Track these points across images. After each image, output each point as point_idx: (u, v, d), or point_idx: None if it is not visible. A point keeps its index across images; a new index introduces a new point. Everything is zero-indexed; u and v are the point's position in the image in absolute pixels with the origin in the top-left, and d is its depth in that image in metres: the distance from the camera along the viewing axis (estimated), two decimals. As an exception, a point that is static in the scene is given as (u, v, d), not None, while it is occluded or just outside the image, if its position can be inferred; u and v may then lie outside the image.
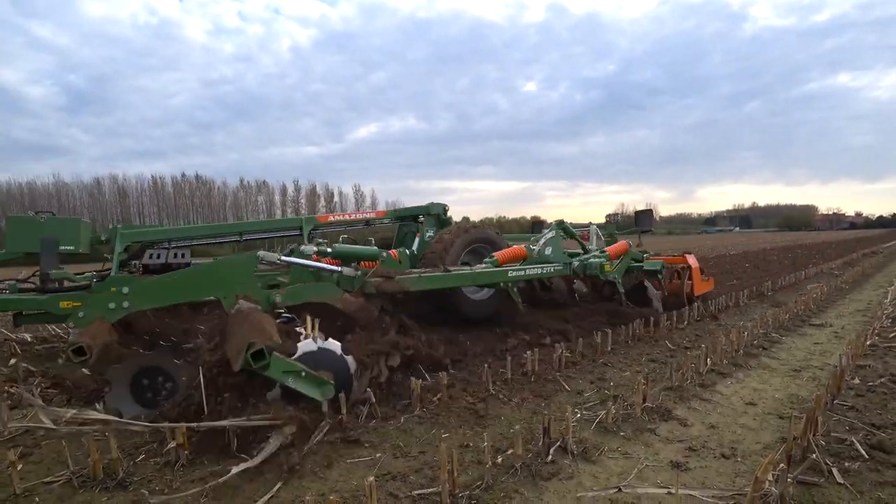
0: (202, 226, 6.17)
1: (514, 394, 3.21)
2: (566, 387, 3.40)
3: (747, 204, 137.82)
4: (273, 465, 2.23)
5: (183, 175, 74.69)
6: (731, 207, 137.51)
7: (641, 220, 7.58)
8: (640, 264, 6.15)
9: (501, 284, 4.83)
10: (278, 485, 2.11)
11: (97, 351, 2.61)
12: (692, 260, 6.84)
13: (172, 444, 2.28)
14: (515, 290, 5.01)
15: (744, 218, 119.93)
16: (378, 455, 2.37)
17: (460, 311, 4.97)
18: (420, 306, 4.57)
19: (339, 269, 3.69)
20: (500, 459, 2.26)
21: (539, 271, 4.96)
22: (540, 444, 2.37)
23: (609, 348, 4.32)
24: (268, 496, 2.03)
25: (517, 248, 5.20)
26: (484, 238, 5.42)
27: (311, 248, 3.93)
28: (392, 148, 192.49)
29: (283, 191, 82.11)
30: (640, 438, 2.57)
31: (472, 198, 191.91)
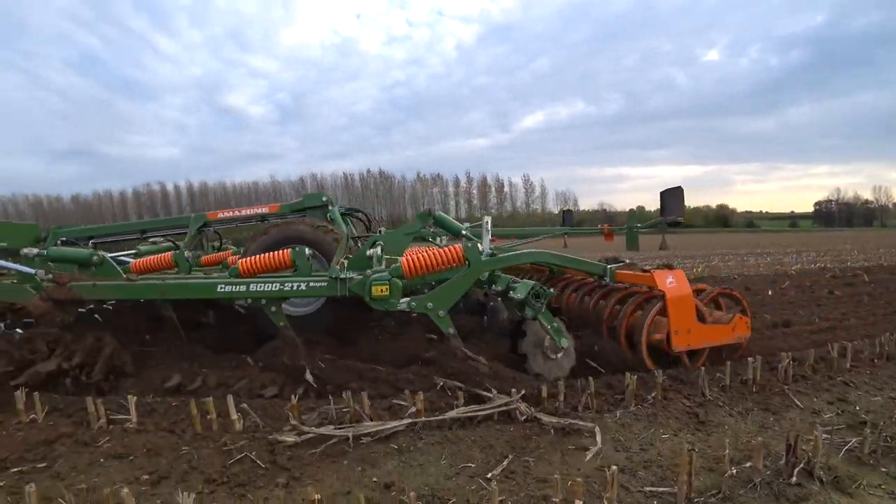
0: (113, 225, 6.27)
1: (734, 403, 2.99)
2: (798, 403, 3.04)
3: None
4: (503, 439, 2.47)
5: (368, 171, 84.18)
6: None
7: (668, 205, 4.95)
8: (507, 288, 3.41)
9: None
10: (509, 457, 2.32)
11: None
12: (672, 281, 3.46)
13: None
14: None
15: None
16: (599, 446, 2.43)
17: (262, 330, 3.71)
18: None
19: (33, 271, 3.45)
20: (734, 471, 2.15)
21: (269, 288, 3.25)
22: (782, 462, 2.19)
23: (848, 365, 3.71)
24: (499, 468, 2.24)
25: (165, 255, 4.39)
26: (293, 237, 3.98)
27: (33, 251, 3.70)
28: (560, 135, 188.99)
29: (456, 182, 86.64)
30: (912, 479, 2.20)
31: (648, 185, 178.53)
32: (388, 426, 2.41)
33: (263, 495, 1.96)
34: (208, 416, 2.48)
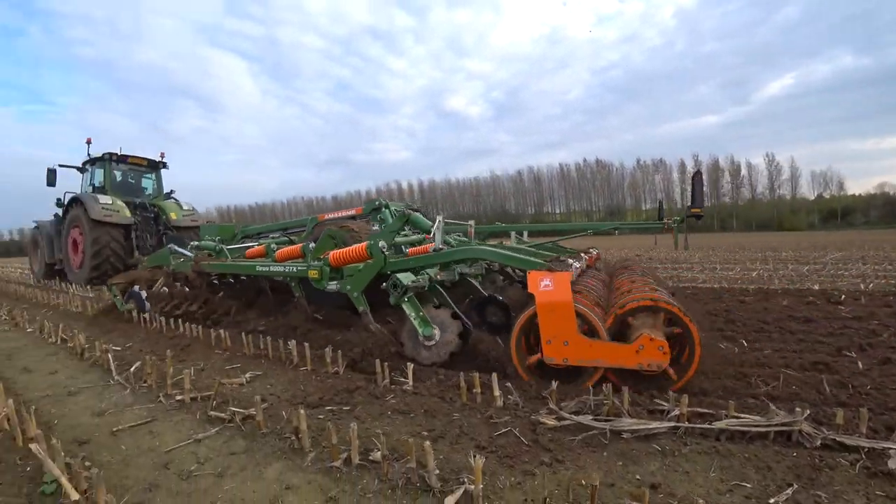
0: (268, 225, 8.03)
1: None
2: None
3: None
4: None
5: (584, 161, 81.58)
6: None
7: (694, 195, 4.81)
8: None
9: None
10: (793, 486, 2.00)
11: None
12: (547, 284, 2.90)
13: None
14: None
15: None
16: None
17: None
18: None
19: (192, 255, 6.10)
20: None
21: (276, 269, 4.87)
22: None
23: None
24: (782, 496, 1.94)
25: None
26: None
27: (194, 243, 6.46)
28: (818, 100, 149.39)
29: (682, 168, 77.71)
30: None
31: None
32: (651, 426, 2.31)
33: (530, 469, 2.09)
34: (473, 390, 2.76)
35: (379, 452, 2.13)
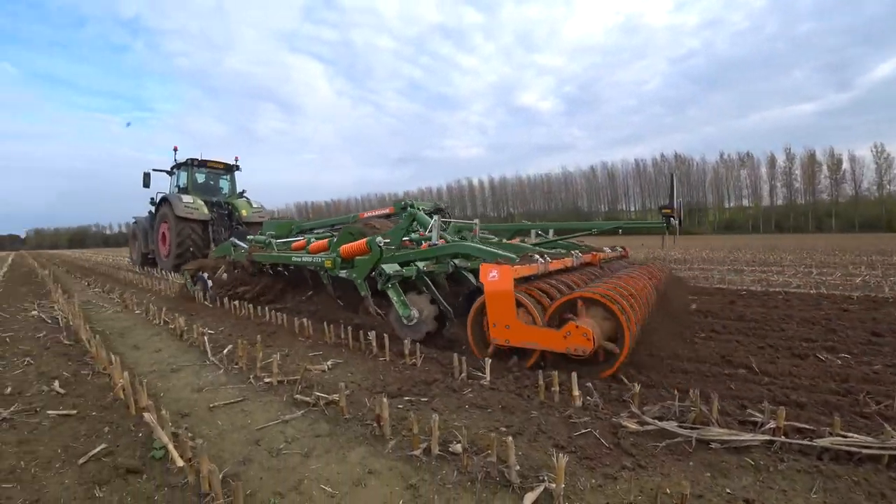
0: (318, 220, 8.78)
1: None
2: None
3: None
4: None
5: (662, 156, 77.48)
6: None
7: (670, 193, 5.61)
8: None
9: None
10: None
11: None
12: (494, 275, 3.33)
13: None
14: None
15: None
16: None
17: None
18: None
19: (246, 246, 7.08)
20: None
21: (304, 259, 5.80)
22: None
23: None
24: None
25: None
26: (353, 231, 5.95)
27: (249, 237, 7.61)
28: None
29: (771, 162, 71.60)
30: None
31: None
32: (743, 438, 2.18)
33: (611, 472, 2.05)
34: (552, 389, 2.74)
35: (459, 444, 2.18)
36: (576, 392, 2.65)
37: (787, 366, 3.49)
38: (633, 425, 2.34)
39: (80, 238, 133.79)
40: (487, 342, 3.54)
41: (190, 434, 2.51)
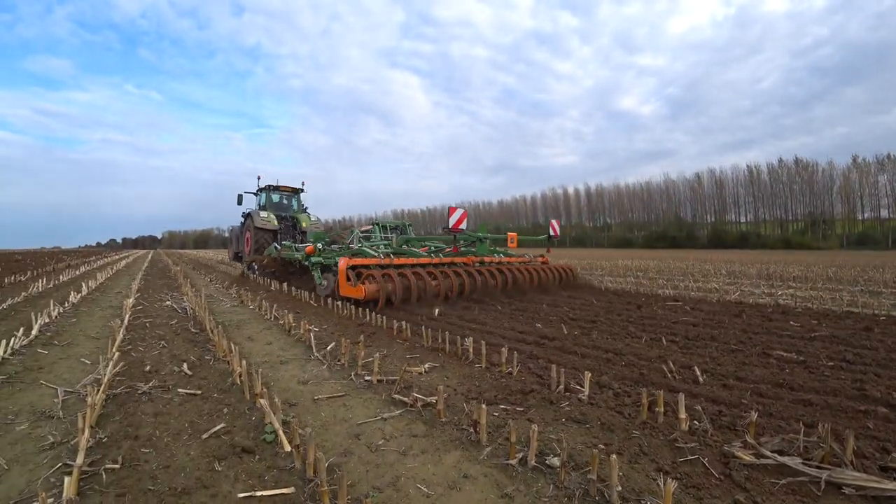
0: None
1: None
2: None
3: None
4: None
5: (780, 160, 69.99)
6: None
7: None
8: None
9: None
10: None
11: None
12: (341, 263, 7.65)
13: None
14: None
15: None
16: None
17: None
18: None
19: (278, 247, 11.70)
20: None
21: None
22: None
23: None
24: None
25: None
26: (336, 240, 11.06)
27: (286, 241, 12.66)
28: None
29: (921, 167, 61.82)
30: None
31: None
32: (885, 486, 1.93)
33: (722, 507, 1.92)
34: (655, 409, 2.62)
35: (557, 458, 2.16)
36: (682, 414, 2.50)
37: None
38: (747, 457, 2.17)
39: (204, 239, 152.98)
40: (339, 295, 7.48)
41: (298, 422, 2.73)
